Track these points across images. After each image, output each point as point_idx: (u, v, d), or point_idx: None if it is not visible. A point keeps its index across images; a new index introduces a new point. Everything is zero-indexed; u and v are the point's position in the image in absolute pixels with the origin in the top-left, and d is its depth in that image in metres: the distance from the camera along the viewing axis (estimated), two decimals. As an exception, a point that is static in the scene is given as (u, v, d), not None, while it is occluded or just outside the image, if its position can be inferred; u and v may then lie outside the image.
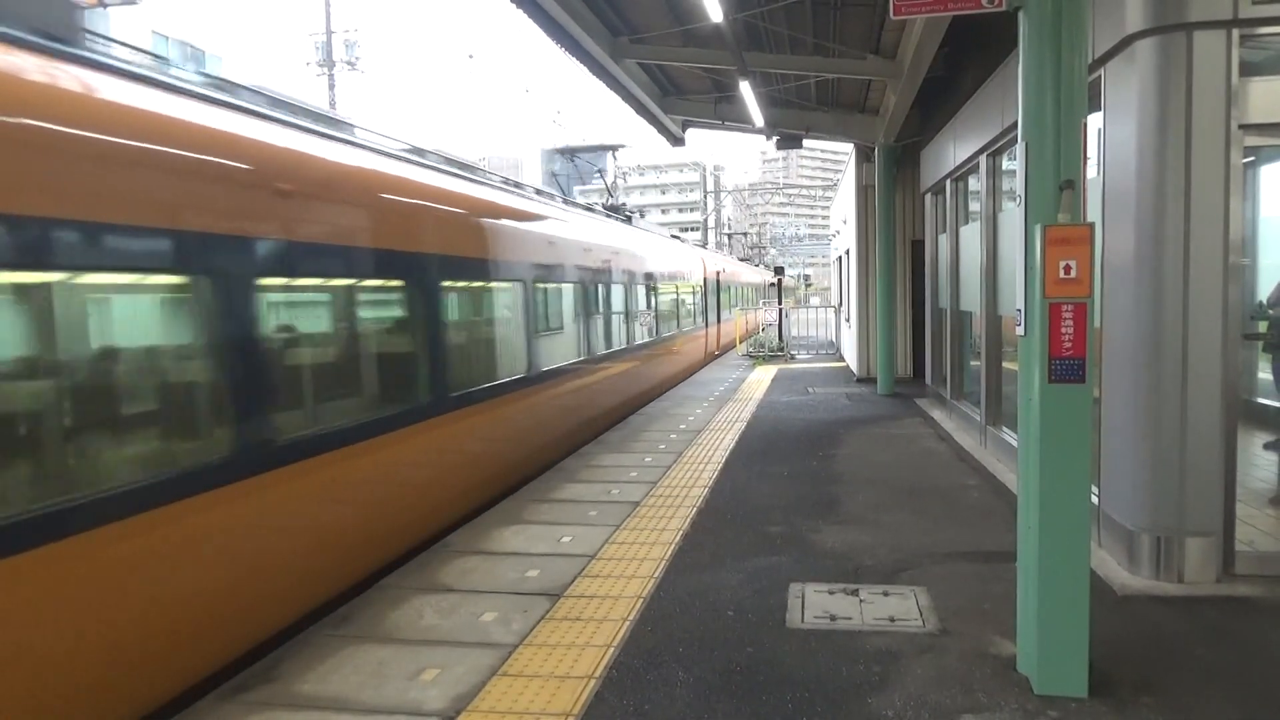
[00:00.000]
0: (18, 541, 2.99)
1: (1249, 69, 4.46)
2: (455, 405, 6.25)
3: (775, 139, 14.28)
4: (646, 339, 13.22)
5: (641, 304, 13.11)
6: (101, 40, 4.00)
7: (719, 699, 3.48)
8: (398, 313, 5.83)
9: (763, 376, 16.04)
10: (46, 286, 3.28)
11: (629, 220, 14.23)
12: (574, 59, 10.13)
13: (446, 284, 6.29)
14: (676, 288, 15.94)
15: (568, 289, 9.31)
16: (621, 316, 11.83)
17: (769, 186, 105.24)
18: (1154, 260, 4.57)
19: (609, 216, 12.86)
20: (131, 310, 3.88)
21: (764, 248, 68.88)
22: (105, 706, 3.32)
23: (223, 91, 4.52)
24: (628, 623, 4.26)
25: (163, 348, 3.93)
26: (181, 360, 3.97)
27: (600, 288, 10.68)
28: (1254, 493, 4.86)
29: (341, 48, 23.15)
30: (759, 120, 12.58)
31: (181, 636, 3.66)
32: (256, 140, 4.44)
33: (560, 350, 8.94)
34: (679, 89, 13.46)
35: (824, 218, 71.16)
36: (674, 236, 19.60)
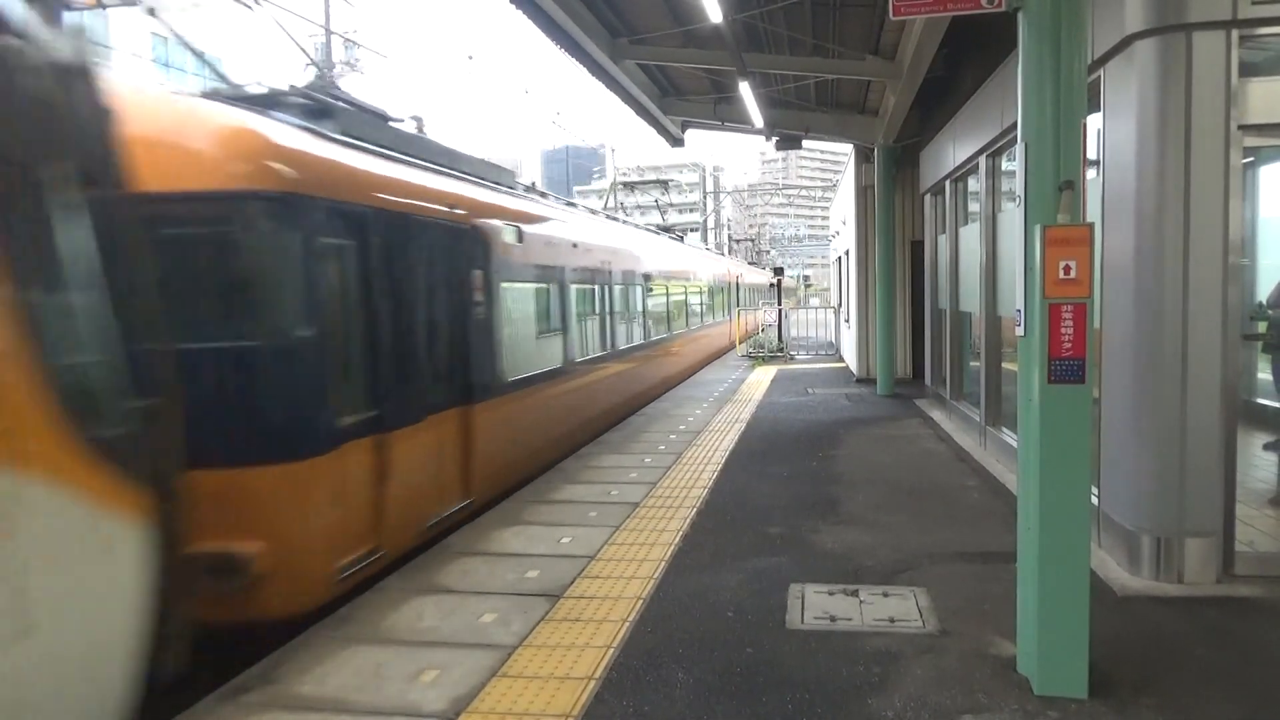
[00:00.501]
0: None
1: (1248, 69, 4.46)
2: (627, 352, 12.03)
3: (775, 140, 14.27)
4: (705, 322, 20.15)
5: (699, 298, 19.62)
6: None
7: (719, 700, 3.48)
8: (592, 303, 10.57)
9: (762, 377, 16.04)
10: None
11: (681, 239, 21.81)
12: (573, 60, 10.14)
13: (609, 287, 11.17)
14: (719, 287, 22.61)
15: (661, 288, 14.90)
16: (692, 307, 18.43)
17: (768, 187, 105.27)
18: (1154, 261, 4.57)
19: (670, 236, 19.93)
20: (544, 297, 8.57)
21: (764, 250, 68.87)
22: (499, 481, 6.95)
23: (531, 197, 8.81)
24: (627, 624, 4.26)
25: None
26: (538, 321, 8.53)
27: (679, 286, 16.90)
28: (1254, 493, 4.86)
29: (341, 49, 23.13)
30: (758, 121, 12.58)
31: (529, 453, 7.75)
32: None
33: (663, 326, 14.95)
34: (678, 90, 13.47)
35: (823, 218, 71.18)
36: (708, 249, 29.18)
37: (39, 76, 2.49)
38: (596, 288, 10.42)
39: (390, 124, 6.28)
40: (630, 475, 7.58)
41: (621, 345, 11.48)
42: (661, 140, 15.51)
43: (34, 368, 2.31)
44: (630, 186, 26.49)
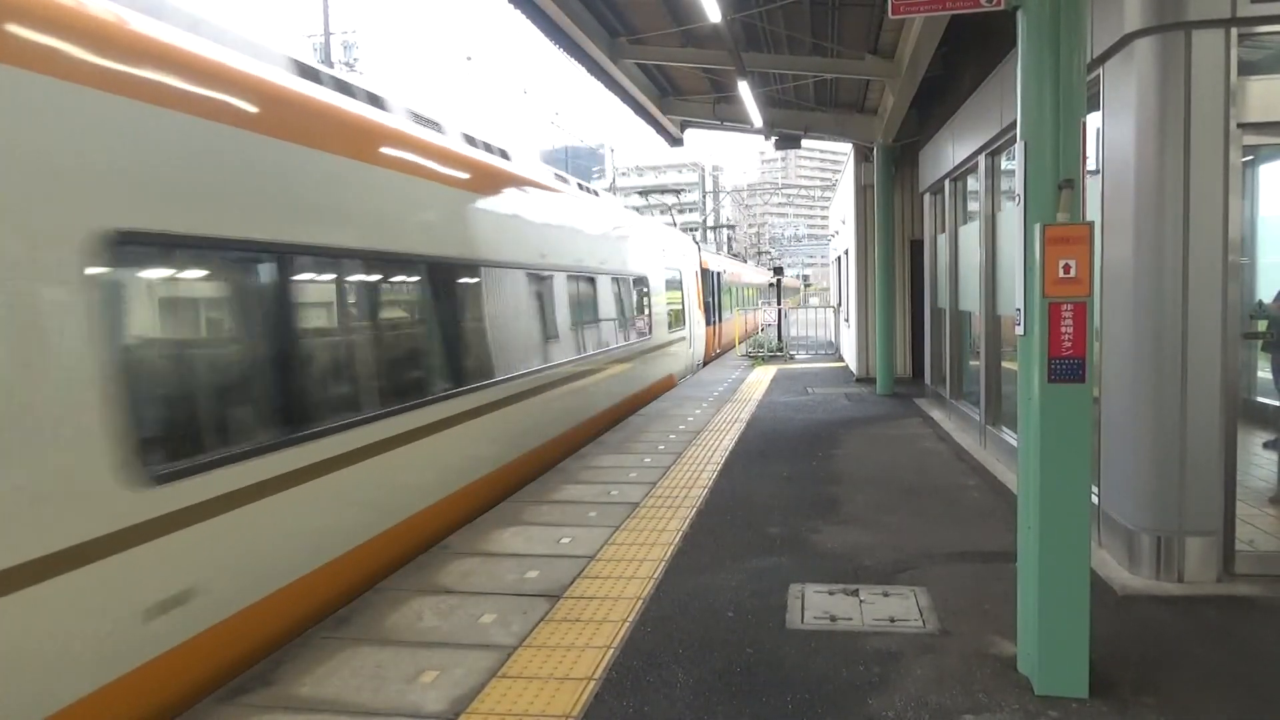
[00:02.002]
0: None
1: (1247, 68, 4.46)
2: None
3: (774, 139, 14.27)
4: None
5: (738, 296, 25.99)
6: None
7: (719, 700, 3.47)
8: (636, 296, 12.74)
9: (762, 377, 16.04)
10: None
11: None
12: (572, 60, 10.13)
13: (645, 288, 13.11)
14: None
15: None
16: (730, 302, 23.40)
17: (768, 187, 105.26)
18: (1153, 259, 4.56)
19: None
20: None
21: (764, 249, 68.86)
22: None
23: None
24: (627, 624, 4.25)
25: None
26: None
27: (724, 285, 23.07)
28: (1254, 492, 4.86)
29: (340, 49, 23.15)
30: (758, 120, 12.58)
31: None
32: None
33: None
34: (677, 89, 13.46)
35: (823, 218, 71.18)
36: (734, 255, 36.48)
37: None
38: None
39: None
40: (630, 475, 7.58)
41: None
42: (661, 140, 15.50)
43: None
44: (644, 193, 25.97)
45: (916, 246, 13.36)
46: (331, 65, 22.41)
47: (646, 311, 13.59)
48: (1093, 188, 5.04)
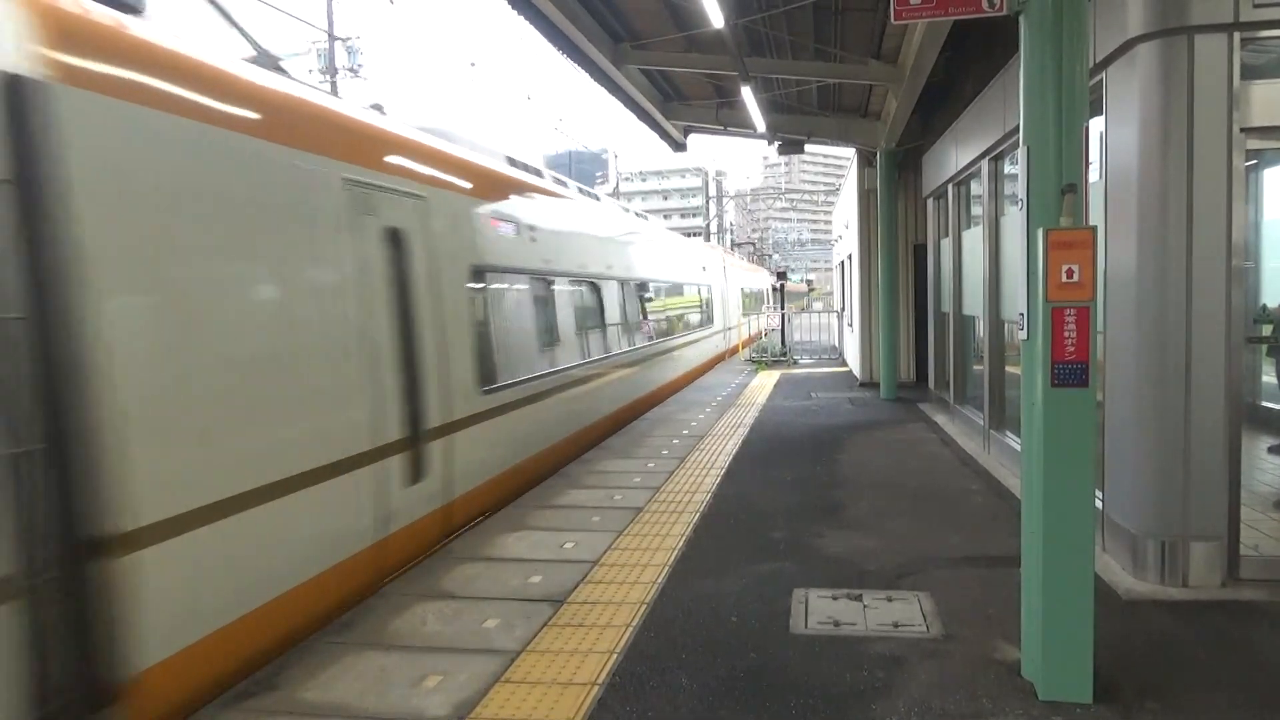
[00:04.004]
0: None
1: (1250, 72, 4.46)
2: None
3: (777, 144, 14.29)
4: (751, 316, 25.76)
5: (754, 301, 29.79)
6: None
7: (723, 705, 3.47)
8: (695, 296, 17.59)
9: (765, 381, 16.03)
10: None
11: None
12: (575, 65, 10.16)
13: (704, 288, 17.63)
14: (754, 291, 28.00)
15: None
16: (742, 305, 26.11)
17: (771, 191, 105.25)
18: (1157, 263, 4.56)
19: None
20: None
21: (768, 254, 68.87)
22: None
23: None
24: (631, 629, 4.25)
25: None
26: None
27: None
28: (1258, 496, 4.84)
29: (344, 55, 23.20)
30: (761, 125, 12.59)
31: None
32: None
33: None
34: (681, 94, 13.48)
35: (826, 222, 71.14)
36: (749, 259, 42.56)
37: None
38: None
39: None
40: (634, 480, 7.58)
41: None
42: (664, 145, 15.53)
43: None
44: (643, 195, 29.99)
45: (920, 251, 13.35)
46: (335, 71, 22.48)
47: (712, 308, 20.90)
48: (1095, 192, 5.04)
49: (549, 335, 8.65)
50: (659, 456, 8.66)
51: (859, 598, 4.59)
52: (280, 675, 3.81)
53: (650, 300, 13.98)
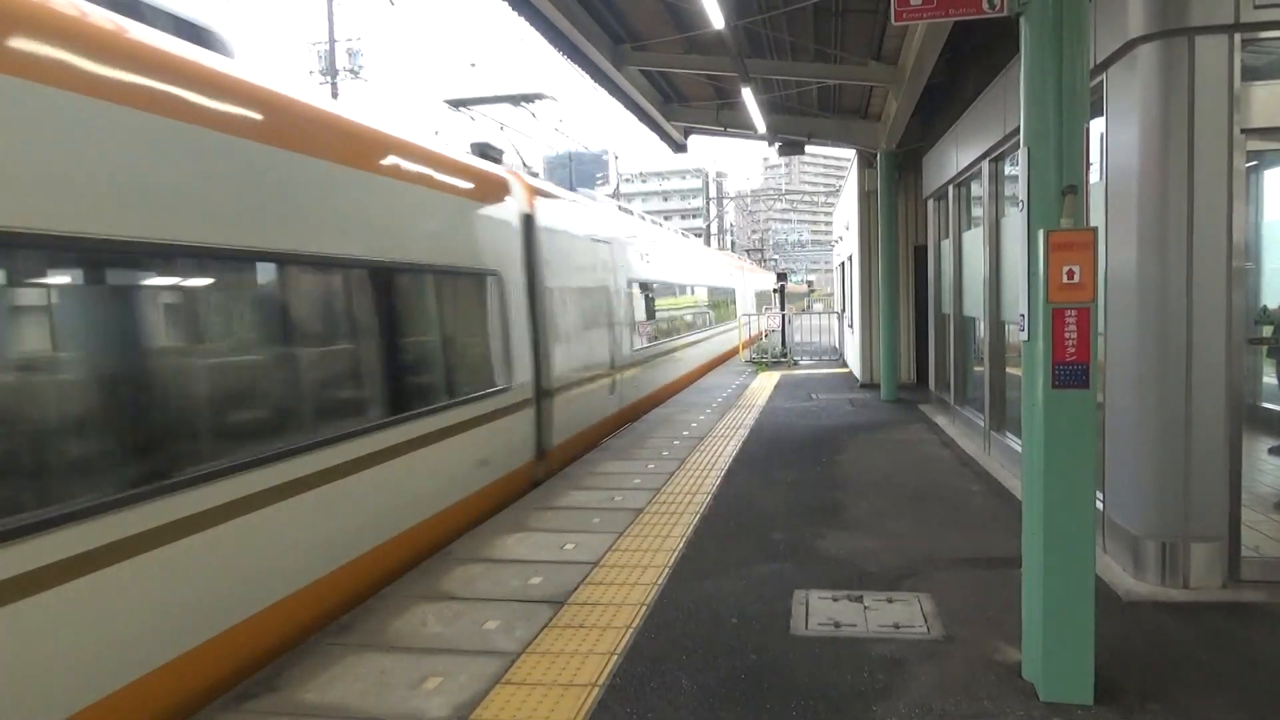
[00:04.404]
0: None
1: (1251, 73, 4.46)
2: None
3: (777, 145, 14.29)
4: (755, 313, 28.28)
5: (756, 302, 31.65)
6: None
7: (723, 706, 3.47)
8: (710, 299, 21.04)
9: (765, 383, 16.03)
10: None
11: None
12: (576, 66, 10.16)
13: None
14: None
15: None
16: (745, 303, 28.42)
17: (771, 192, 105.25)
18: (1157, 265, 4.56)
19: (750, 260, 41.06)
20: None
21: (769, 256, 68.85)
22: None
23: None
24: (631, 630, 4.25)
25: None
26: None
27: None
28: (1259, 498, 4.84)
29: (344, 56, 23.24)
30: (761, 126, 12.59)
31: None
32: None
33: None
34: (681, 96, 13.49)
35: (826, 223, 71.17)
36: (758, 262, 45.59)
37: None
38: None
39: None
40: (634, 481, 7.57)
41: None
42: (664, 146, 15.53)
43: None
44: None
45: (920, 252, 13.35)
46: (336, 72, 22.49)
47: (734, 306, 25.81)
48: (1096, 193, 5.04)
49: (662, 320, 14.95)
50: (659, 458, 8.66)
51: (859, 599, 4.59)
52: (280, 676, 3.81)
53: (708, 298, 20.91)
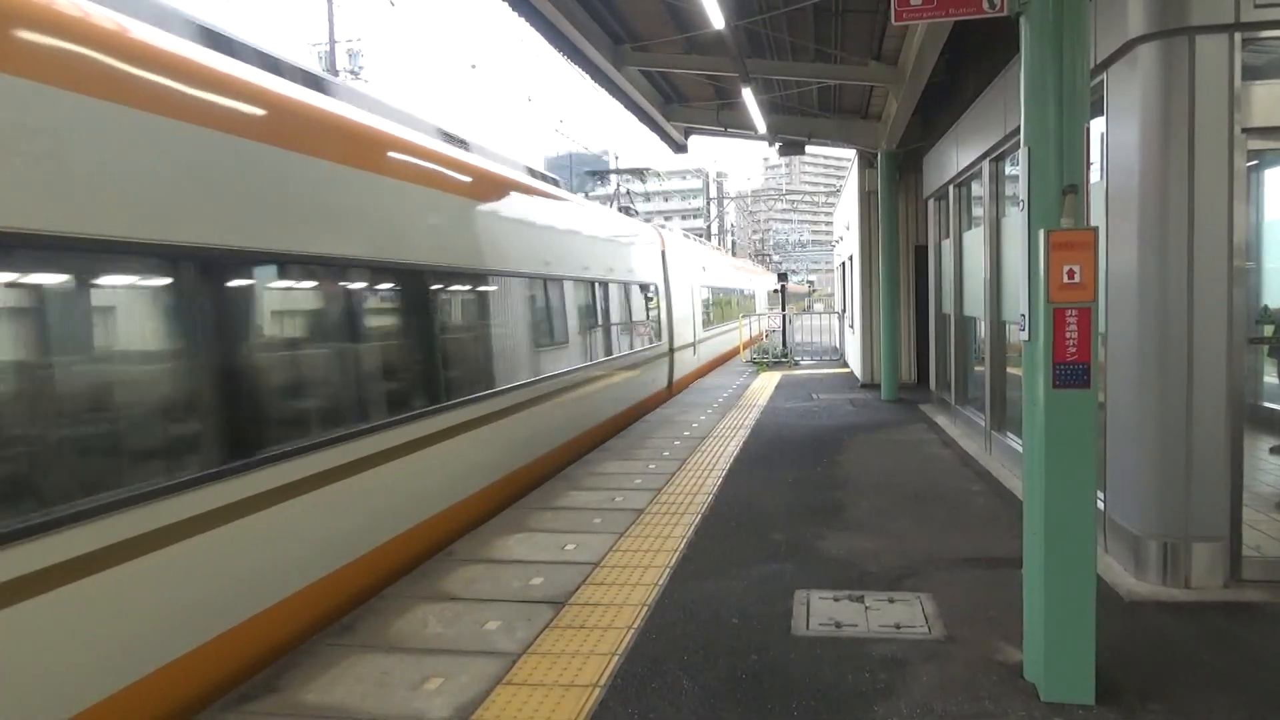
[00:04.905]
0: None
1: (1251, 72, 4.46)
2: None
3: (778, 145, 14.29)
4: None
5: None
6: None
7: (724, 707, 3.47)
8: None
9: (766, 383, 16.03)
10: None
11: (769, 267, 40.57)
12: (576, 66, 10.16)
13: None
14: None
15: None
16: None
17: (772, 193, 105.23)
18: (1158, 264, 4.56)
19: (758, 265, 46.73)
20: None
21: (769, 255, 68.82)
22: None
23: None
24: (632, 630, 4.25)
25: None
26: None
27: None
28: (1261, 497, 4.83)
29: (345, 57, 23.26)
30: (761, 127, 12.60)
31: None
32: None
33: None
34: (681, 96, 13.49)
35: (827, 224, 71.13)
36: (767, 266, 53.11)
37: None
38: None
39: None
40: (635, 481, 7.57)
41: None
42: (665, 146, 15.53)
43: None
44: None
45: (921, 252, 13.35)
46: (336, 73, 22.52)
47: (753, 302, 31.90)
48: (1097, 193, 5.04)
49: (713, 312, 20.90)
50: (660, 458, 8.66)
51: (860, 599, 4.59)
52: (281, 677, 3.81)
53: (737, 297, 27.24)
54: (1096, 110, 4.96)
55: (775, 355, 20.57)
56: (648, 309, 13.51)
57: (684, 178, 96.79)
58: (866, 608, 4.47)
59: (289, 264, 4.56)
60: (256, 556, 4.09)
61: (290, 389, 4.60)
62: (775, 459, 8.51)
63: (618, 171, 26.89)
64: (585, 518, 6.37)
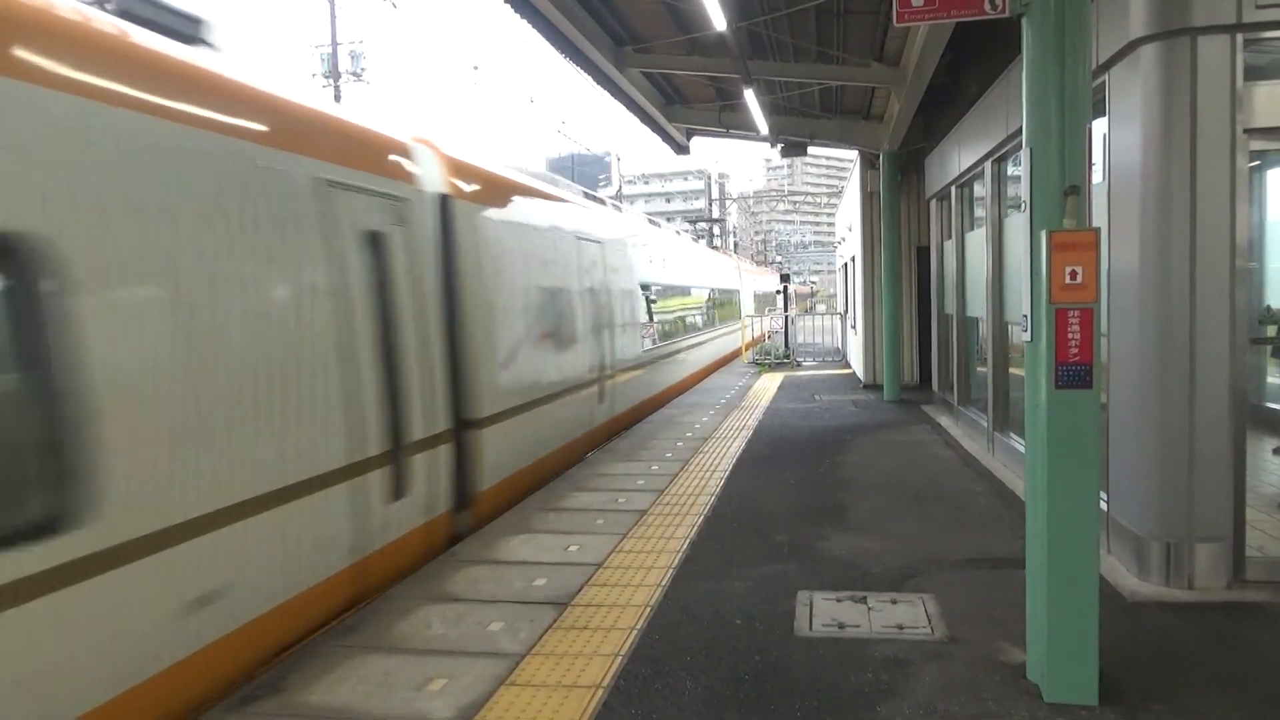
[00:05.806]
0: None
1: (1253, 73, 4.46)
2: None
3: (780, 146, 14.30)
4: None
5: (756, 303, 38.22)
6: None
7: (727, 708, 3.47)
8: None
9: (768, 384, 16.02)
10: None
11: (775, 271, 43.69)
12: (578, 68, 10.17)
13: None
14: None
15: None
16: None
17: (774, 194, 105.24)
18: (1160, 265, 4.56)
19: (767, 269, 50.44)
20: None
21: (771, 256, 68.83)
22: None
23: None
24: (635, 631, 4.25)
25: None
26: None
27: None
28: (1263, 497, 4.84)
29: (347, 59, 23.29)
30: (763, 128, 12.61)
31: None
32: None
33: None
34: (683, 97, 13.50)
35: (829, 225, 71.16)
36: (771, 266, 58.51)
37: None
38: None
39: None
40: (638, 482, 7.58)
41: None
42: (667, 148, 15.55)
43: None
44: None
45: (923, 253, 13.35)
46: (339, 75, 22.53)
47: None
48: (1098, 194, 5.04)
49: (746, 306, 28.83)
50: (663, 459, 8.66)
51: (863, 600, 4.59)
52: (284, 679, 3.82)
53: (751, 297, 31.43)
54: (1098, 111, 4.97)
55: (777, 356, 20.56)
56: (734, 303, 25.54)
57: (685, 179, 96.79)
58: (869, 608, 4.47)
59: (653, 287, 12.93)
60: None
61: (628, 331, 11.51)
62: (778, 460, 8.51)
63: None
64: (588, 519, 6.38)
